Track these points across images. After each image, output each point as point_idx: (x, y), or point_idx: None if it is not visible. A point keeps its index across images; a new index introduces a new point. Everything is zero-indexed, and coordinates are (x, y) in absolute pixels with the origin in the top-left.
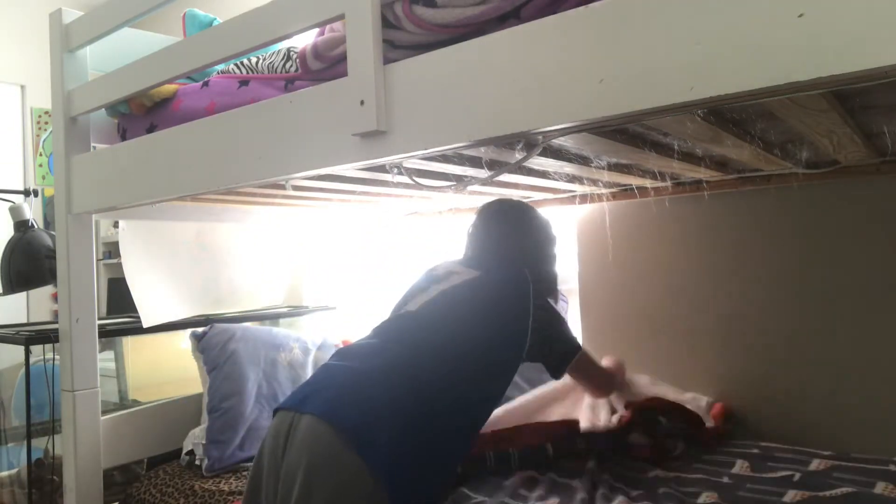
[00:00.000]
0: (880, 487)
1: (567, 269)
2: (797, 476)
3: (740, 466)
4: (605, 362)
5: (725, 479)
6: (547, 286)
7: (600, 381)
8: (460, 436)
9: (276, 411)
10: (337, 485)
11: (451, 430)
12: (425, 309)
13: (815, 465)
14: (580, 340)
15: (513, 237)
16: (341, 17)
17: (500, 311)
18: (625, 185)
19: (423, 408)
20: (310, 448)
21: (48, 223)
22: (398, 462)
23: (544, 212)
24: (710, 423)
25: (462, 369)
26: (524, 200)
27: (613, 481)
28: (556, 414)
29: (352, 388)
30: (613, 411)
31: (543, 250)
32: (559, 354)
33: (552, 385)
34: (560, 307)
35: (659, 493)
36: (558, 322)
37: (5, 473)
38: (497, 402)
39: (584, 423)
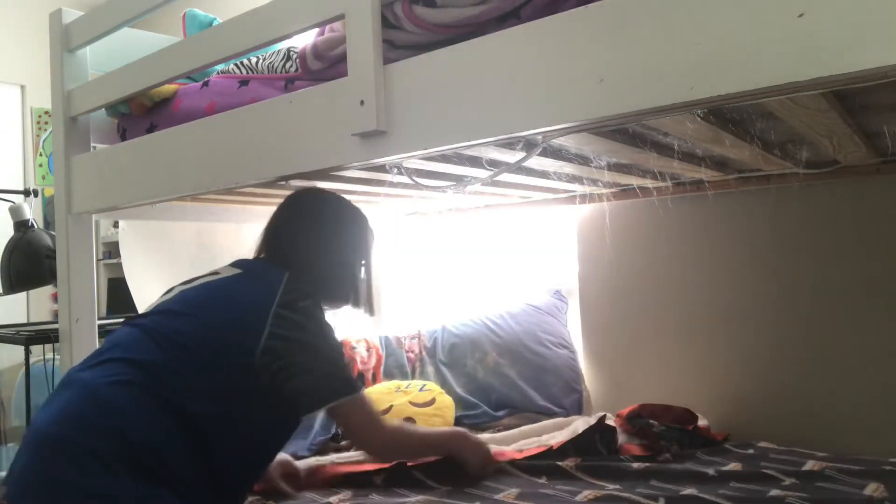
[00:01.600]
0: (870, 489)
1: (567, 268)
2: (786, 480)
3: (732, 466)
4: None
5: (711, 472)
6: (333, 292)
7: (373, 441)
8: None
9: None
10: None
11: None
12: (156, 310)
13: (809, 465)
14: (579, 343)
15: (298, 231)
16: (341, 17)
17: (223, 315)
18: (625, 185)
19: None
20: None
21: (48, 223)
22: None
23: (541, 212)
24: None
25: (172, 384)
26: (336, 192)
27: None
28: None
29: (36, 465)
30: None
31: (337, 250)
32: (298, 392)
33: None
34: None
35: (636, 485)
36: (313, 347)
37: (5, 473)
38: (236, 430)
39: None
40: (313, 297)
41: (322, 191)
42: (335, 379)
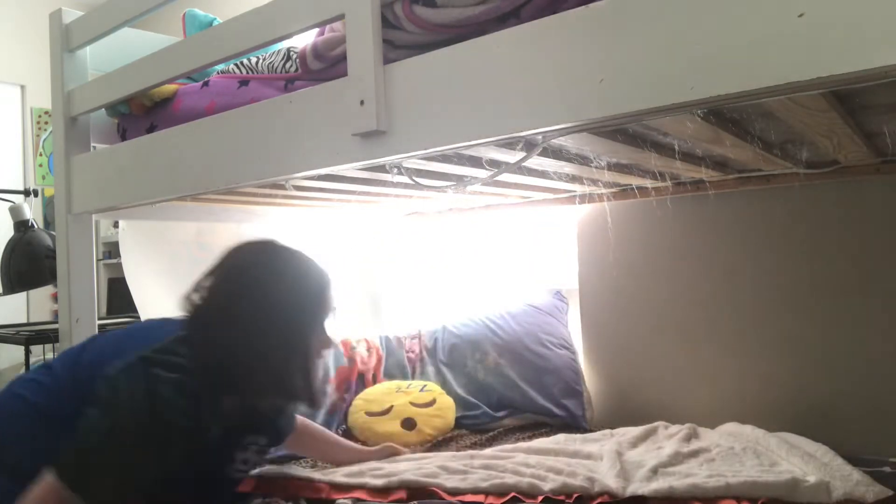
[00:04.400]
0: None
1: (567, 269)
2: None
3: None
4: None
5: None
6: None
7: None
8: None
9: None
10: None
11: None
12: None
13: None
14: (579, 344)
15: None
16: (341, 17)
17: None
18: (625, 185)
19: None
20: None
21: (48, 223)
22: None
23: (541, 212)
24: None
25: None
26: (282, 245)
27: None
28: None
29: None
30: None
31: (253, 337)
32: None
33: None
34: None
35: None
36: (102, 425)
37: None
38: None
39: None
40: (182, 371)
41: (266, 245)
42: (79, 464)
